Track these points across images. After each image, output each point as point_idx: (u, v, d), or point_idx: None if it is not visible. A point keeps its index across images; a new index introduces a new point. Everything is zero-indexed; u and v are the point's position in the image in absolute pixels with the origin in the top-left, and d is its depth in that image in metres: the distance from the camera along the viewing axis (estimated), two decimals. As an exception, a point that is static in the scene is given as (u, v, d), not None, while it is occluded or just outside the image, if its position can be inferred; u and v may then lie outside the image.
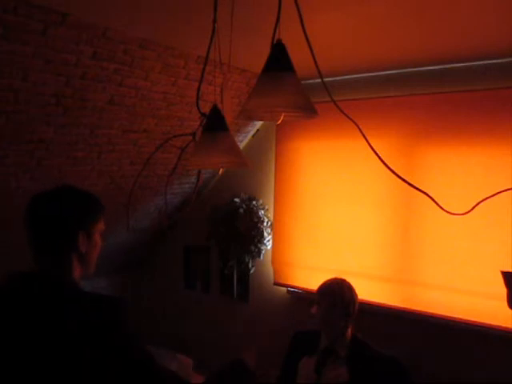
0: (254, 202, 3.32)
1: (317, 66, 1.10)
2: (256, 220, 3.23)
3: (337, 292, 2.04)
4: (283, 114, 1.21)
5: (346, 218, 2.98)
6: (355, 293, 2.07)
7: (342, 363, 1.97)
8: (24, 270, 1.23)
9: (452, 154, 2.60)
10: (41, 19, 1.70)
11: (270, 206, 3.34)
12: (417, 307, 2.74)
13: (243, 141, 3.48)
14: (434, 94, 2.63)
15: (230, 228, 3.27)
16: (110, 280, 3.94)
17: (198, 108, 1.43)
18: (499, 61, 2.42)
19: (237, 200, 3.32)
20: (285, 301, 3.37)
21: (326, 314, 2.01)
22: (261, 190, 3.41)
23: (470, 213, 1.29)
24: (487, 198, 1.33)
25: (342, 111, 1.16)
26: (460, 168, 2.57)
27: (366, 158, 2.71)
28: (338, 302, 2.00)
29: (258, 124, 3.42)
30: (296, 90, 1.09)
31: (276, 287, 3.36)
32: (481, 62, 2.47)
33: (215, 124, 1.40)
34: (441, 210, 1.26)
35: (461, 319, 2.58)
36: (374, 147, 1.17)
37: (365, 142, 1.18)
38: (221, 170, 2.98)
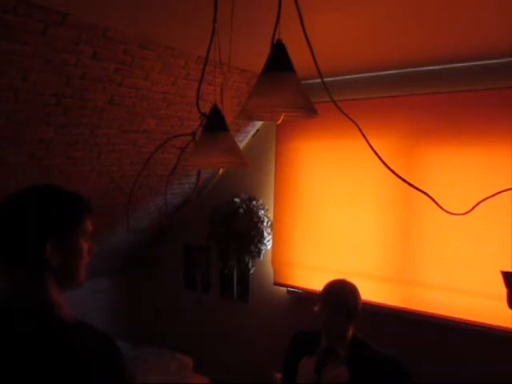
0: (254, 202, 3.32)
1: (317, 66, 1.10)
2: (256, 220, 3.23)
3: (339, 294, 2.03)
4: (283, 114, 1.21)
5: (346, 218, 2.98)
6: (359, 295, 2.05)
7: (342, 363, 1.96)
8: None
9: (452, 154, 2.61)
10: (41, 19, 1.70)
11: (270, 206, 3.34)
12: (417, 307, 2.74)
13: (243, 141, 3.48)
14: (434, 93, 2.63)
15: (230, 228, 3.27)
16: (110, 280, 3.94)
17: (198, 108, 1.43)
18: (499, 61, 2.42)
19: (237, 200, 3.32)
20: (285, 301, 3.37)
21: (327, 316, 2.00)
22: (261, 190, 3.42)
23: (470, 213, 1.29)
24: (487, 198, 1.33)
25: (342, 111, 1.16)
26: (460, 168, 2.58)
27: (366, 158, 2.71)
28: (341, 305, 1.99)
29: (258, 124, 3.42)
30: (296, 90, 1.09)
31: (276, 287, 3.37)
32: (481, 62, 2.47)
33: (215, 124, 1.40)
34: (441, 210, 1.26)
35: (461, 319, 2.58)
36: (374, 147, 1.17)
37: (365, 141, 1.18)
38: (221, 170, 2.99)
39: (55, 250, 1.03)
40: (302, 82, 1.15)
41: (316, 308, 2.05)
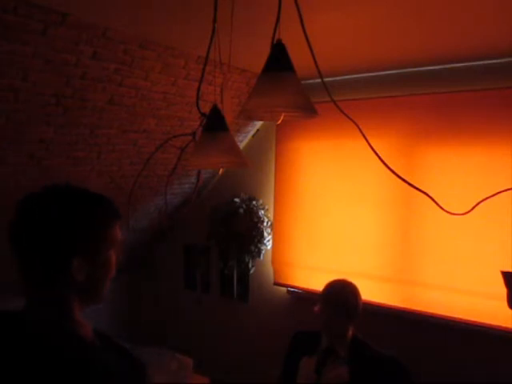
0: (254, 202, 3.32)
1: (317, 66, 1.10)
2: (256, 220, 3.23)
3: (340, 294, 2.03)
4: (283, 114, 1.21)
5: (346, 218, 2.98)
6: (359, 295, 2.05)
7: (342, 363, 1.96)
8: (6, 312, 0.92)
9: (452, 154, 2.61)
10: (41, 19, 1.70)
11: (270, 206, 3.34)
12: (417, 307, 2.74)
13: (243, 141, 3.48)
14: (434, 93, 2.63)
15: (230, 228, 3.27)
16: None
17: (198, 108, 1.43)
18: (499, 61, 2.42)
19: (237, 200, 3.32)
20: (285, 301, 3.37)
21: (327, 316, 2.00)
22: (261, 190, 3.42)
23: (470, 213, 1.29)
24: (487, 198, 1.33)
25: (342, 111, 1.16)
26: (460, 168, 2.57)
27: (366, 158, 2.71)
28: (341, 305, 1.99)
29: (258, 124, 3.42)
30: (296, 90, 1.09)
31: (276, 287, 3.37)
32: (481, 62, 2.47)
33: (215, 124, 1.40)
34: (441, 210, 1.26)
35: (461, 319, 2.58)
36: (374, 147, 1.17)
37: (365, 141, 1.18)
38: (221, 170, 2.98)
39: (82, 264, 0.93)
40: (302, 82, 1.15)
41: (316, 308, 2.05)
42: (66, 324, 0.93)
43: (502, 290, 1.49)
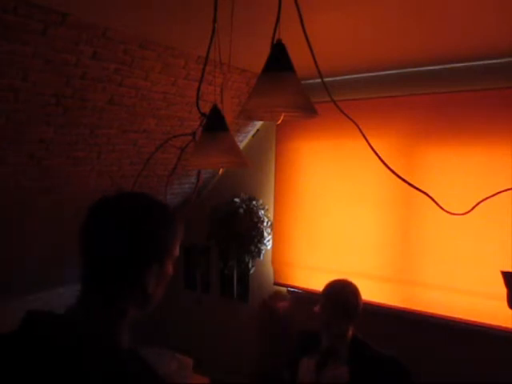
0: (254, 202, 3.32)
1: (317, 66, 1.10)
2: (256, 220, 3.23)
3: (340, 294, 2.03)
4: (283, 114, 1.21)
5: (346, 218, 2.98)
6: (359, 295, 2.05)
7: (342, 363, 1.96)
8: (50, 316, 0.85)
9: (452, 154, 2.60)
10: (41, 19, 1.70)
11: (270, 206, 3.34)
12: (417, 307, 2.74)
13: (243, 141, 3.47)
14: (434, 93, 2.63)
15: (230, 228, 3.27)
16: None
17: (198, 108, 1.43)
18: (499, 61, 2.42)
19: (237, 200, 3.32)
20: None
21: (327, 316, 2.00)
22: (261, 190, 3.41)
23: (470, 213, 1.29)
24: (487, 198, 1.33)
25: (342, 111, 1.16)
26: (460, 168, 2.57)
27: (366, 158, 2.71)
28: (341, 305, 1.99)
29: (258, 124, 3.42)
30: (296, 90, 1.09)
31: (276, 287, 3.36)
32: (481, 62, 2.47)
33: (215, 124, 1.40)
34: (441, 210, 1.26)
35: (461, 319, 2.58)
36: (374, 147, 1.17)
37: (365, 141, 1.18)
38: (221, 170, 2.98)
39: (153, 276, 0.89)
40: (302, 82, 1.15)
41: (316, 308, 2.05)
42: (115, 339, 0.87)
43: (502, 290, 1.49)
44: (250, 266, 3.39)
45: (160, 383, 0.88)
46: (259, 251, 3.28)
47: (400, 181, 1.21)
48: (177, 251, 0.97)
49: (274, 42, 1.12)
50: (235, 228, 3.25)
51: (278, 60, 1.10)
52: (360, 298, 2.05)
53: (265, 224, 3.26)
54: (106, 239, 0.87)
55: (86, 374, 0.78)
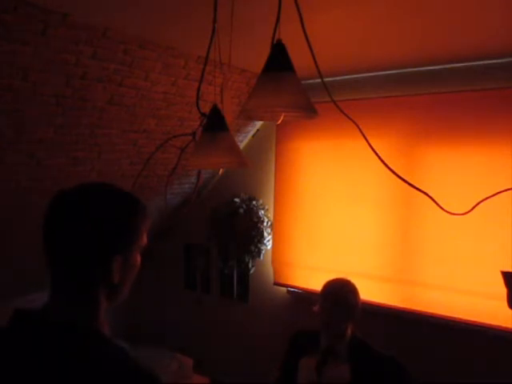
0: (254, 202, 3.32)
1: (317, 66, 1.10)
2: (256, 220, 3.23)
3: (339, 293, 2.02)
4: (283, 114, 1.21)
5: (345, 218, 2.98)
6: (358, 295, 2.05)
7: (342, 363, 1.96)
8: (33, 311, 0.87)
9: (452, 154, 2.61)
10: (41, 19, 1.70)
11: (270, 206, 3.34)
12: (417, 307, 2.74)
13: (243, 141, 3.48)
14: (434, 93, 2.63)
15: (230, 228, 3.27)
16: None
17: (198, 108, 1.43)
18: (499, 61, 2.42)
19: (237, 200, 3.32)
20: (285, 301, 3.37)
21: (327, 315, 2.00)
22: (261, 190, 3.42)
23: (470, 213, 1.29)
24: (487, 198, 1.33)
25: (342, 111, 1.16)
26: (460, 168, 2.58)
27: (366, 158, 2.71)
28: (340, 304, 1.99)
29: (258, 124, 3.42)
30: (296, 90, 1.09)
31: (276, 287, 3.37)
32: (481, 62, 2.47)
33: (215, 124, 1.40)
34: (441, 210, 1.26)
35: (461, 319, 2.58)
36: (374, 147, 1.17)
37: (365, 141, 1.18)
38: (221, 170, 2.99)
39: (120, 265, 0.89)
40: (302, 82, 1.15)
41: (316, 308, 2.05)
42: (95, 325, 0.89)
43: (502, 290, 1.49)
44: (250, 266, 3.39)
45: (145, 374, 0.88)
46: (259, 251, 3.28)
47: (400, 181, 1.21)
48: (144, 240, 0.96)
49: (274, 42, 1.12)
50: (235, 228, 3.25)
51: (278, 60, 1.10)
52: (359, 296, 2.05)
53: (265, 224, 3.27)
54: (67, 227, 0.87)
55: (72, 360, 0.80)
